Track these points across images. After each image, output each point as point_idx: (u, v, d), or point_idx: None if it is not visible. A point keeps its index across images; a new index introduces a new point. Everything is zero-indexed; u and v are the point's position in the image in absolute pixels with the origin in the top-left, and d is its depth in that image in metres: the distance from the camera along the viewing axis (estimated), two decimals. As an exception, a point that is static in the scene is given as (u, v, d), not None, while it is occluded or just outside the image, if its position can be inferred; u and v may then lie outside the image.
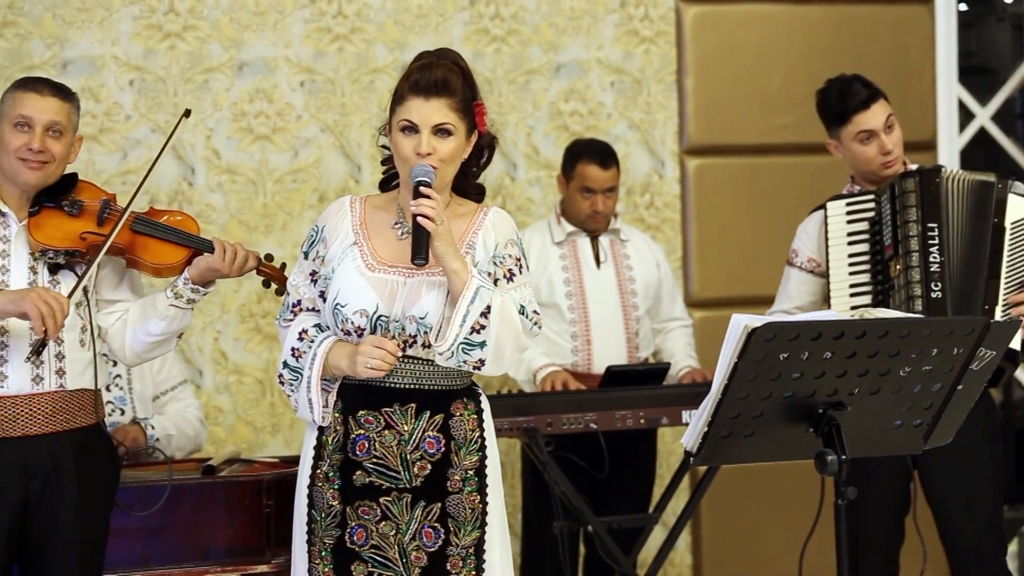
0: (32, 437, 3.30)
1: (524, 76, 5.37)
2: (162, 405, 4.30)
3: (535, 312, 3.23)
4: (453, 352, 3.11)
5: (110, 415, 4.18)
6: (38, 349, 3.22)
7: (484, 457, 3.21)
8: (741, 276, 5.50)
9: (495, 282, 3.20)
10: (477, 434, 3.22)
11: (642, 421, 4.33)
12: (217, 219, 5.07)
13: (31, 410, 3.30)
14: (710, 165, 5.56)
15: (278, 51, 5.14)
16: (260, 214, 5.13)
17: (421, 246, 3.09)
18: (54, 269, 3.35)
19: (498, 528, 3.22)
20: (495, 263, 3.22)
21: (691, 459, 3.02)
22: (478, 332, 3.10)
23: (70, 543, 3.33)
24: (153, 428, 4.15)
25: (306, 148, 5.17)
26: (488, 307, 3.11)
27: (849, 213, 4.08)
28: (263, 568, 3.71)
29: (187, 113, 3.53)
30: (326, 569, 3.17)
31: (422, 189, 3.11)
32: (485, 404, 3.27)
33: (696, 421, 2.97)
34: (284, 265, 3.56)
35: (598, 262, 4.81)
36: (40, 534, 3.32)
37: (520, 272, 3.25)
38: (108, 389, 4.20)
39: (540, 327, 3.25)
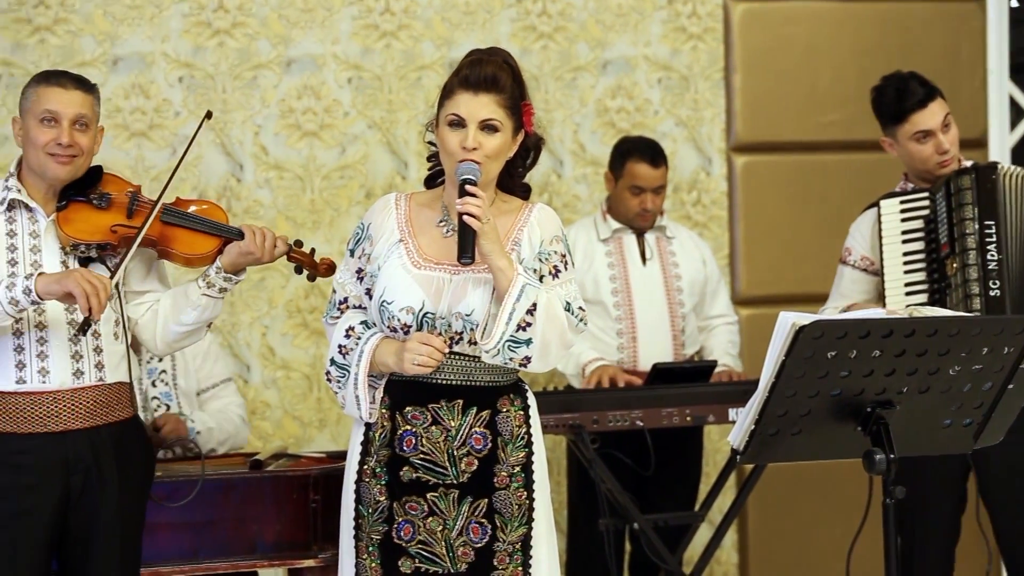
0: (73, 431, 3.31)
1: (571, 73, 5.37)
2: (204, 402, 4.33)
3: (581, 308, 3.23)
4: (499, 350, 3.11)
5: (156, 410, 4.21)
6: (83, 328, 3.22)
7: (531, 453, 3.21)
8: (788, 274, 5.48)
9: (540, 279, 3.20)
10: (524, 430, 3.22)
11: (688, 419, 4.32)
12: (265, 215, 5.09)
13: (73, 404, 3.31)
14: (757, 162, 5.54)
15: (326, 48, 5.16)
16: (307, 210, 5.15)
17: (467, 245, 3.09)
18: (84, 263, 3.35)
19: (545, 524, 3.22)
20: (540, 260, 3.22)
21: (738, 457, 3.01)
22: (524, 330, 3.11)
23: (112, 535, 3.34)
24: (193, 422, 4.17)
25: (353, 145, 5.19)
26: (534, 304, 3.11)
27: (903, 211, 4.04)
28: (310, 562, 3.72)
29: (208, 115, 3.52)
30: (373, 564, 3.18)
31: (468, 188, 3.12)
32: (532, 400, 3.27)
33: (743, 419, 2.96)
34: (314, 250, 3.56)
35: (644, 259, 4.79)
36: (82, 527, 3.33)
37: (566, 268, 3.25)
38: (154, 385, 4.23)
39: (586, 323, 3.25)
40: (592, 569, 4.60)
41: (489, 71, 3.18)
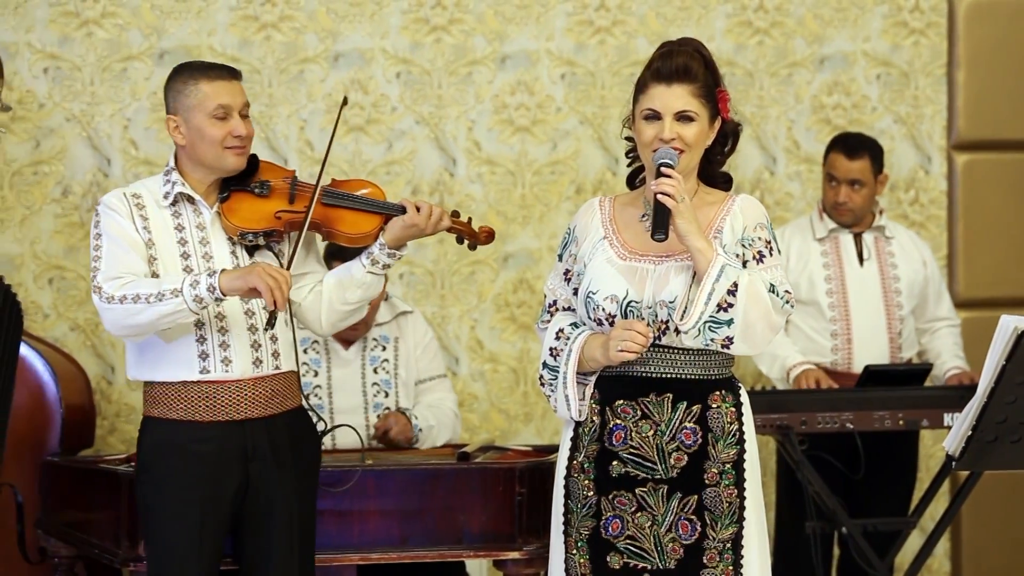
0: (252, 420, 3.36)
1: (787, 69, 5.30)
2: (419, 393, 4.41)
3: (787, 292, 3.16)
4: (700, 330, 3.09)
5: (375, 396, 4.31)
6: (270, 322, 3.27)
7: (742, 451, 3.18)
8: (1010, 276, 5.34)
9: (744, 264, 3.16)
10: (735, 427, 3.18)
11: (901, 422, 4.23)
12: (476, 209, 5.16)
13: (253, 394, 3.36)
14: (980, 161, 5.40)
15: (540, 44, 5.20)
16: (518, 205, 5.21)
17: (661, 222, 3.09)
18: (251, 251, 3.39)
19: (756, 524, 3.18)
20: (743, 245, 3.19)
21: (953, 463, 2.95)
22: (725, 310, 3.07)
23: (289, 523, 3.38)
24: (417, 418, 4.25)
25: (565, 140, 5.22)
26: (735, 284, 3.07)
27: None
28: (514, 555, 3.75)
29: (345, 101, 3.50)
30: (582, 559, 3.19)
31: (663, 170, 3.11)
32: (744, 397, 3.23)
33: (959, 424, 2.90)
34: (471, 219, 3.55)
35: (861, 260, 4.71)
36: (259, 515, 3.38)
37: (770, 255, 3.20)
38: (375, 372, 4.33)
39: (793, 306, 3.17)
40: (799, 573, 4.54)
41: (681, 61, 3.17)
